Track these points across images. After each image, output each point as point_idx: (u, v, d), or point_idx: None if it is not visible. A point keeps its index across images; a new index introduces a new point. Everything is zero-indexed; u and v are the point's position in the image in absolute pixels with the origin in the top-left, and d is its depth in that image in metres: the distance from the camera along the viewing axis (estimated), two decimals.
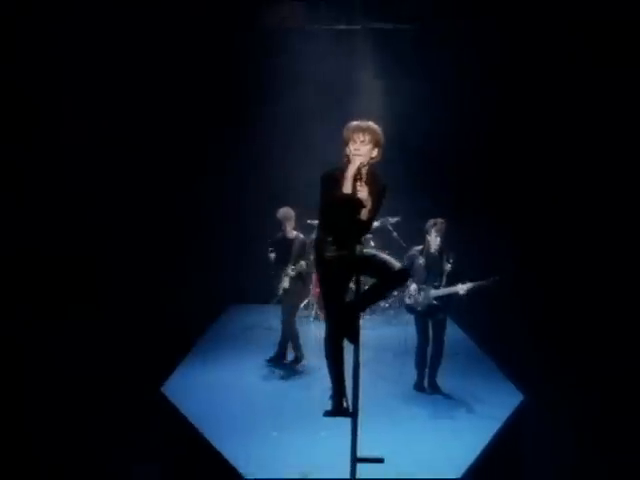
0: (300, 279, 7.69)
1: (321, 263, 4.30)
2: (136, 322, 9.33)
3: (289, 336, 7.72)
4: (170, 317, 9.82)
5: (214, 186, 10.60)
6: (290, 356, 7.77)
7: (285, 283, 7.62)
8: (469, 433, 5.59)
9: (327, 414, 4.38)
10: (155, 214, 10.21)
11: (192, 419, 5.82)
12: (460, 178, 10.00)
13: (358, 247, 4.15)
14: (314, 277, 9.79)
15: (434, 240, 6.72)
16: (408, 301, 6.78)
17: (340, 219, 3.97)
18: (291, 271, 7.56)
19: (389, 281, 4.28)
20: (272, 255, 7.76)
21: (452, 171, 10.09)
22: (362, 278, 4.42)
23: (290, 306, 7.73)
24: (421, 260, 6.79)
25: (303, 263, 7.75)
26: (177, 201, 10.39)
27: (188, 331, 8.92)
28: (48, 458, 6.54)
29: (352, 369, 4.27)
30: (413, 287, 6.75)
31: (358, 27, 10.33)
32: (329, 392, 4.56)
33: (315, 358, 7.98)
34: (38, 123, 9.49)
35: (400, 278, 4.35)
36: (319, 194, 4.18)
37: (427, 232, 6.77)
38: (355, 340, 4.20)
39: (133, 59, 9.56)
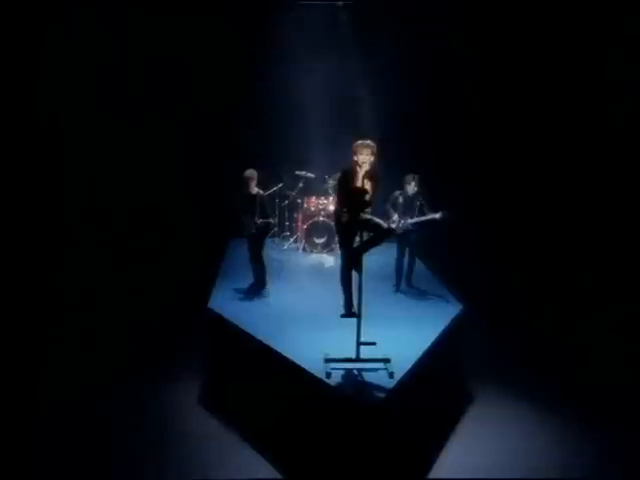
0: (266, 228, 9.55)
1: (338, 223, 6.95)
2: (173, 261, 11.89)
3: (263, 266, 9.58)
4: (192, 252, 12.33)
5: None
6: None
7: (252, 229, 9.33)
8: (425, 328, 8.09)
9: (343, 316, 7.10)
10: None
11: (237, 323, 8.21)
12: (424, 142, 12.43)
13: (361, 215, 6.79)
14: (300, 217, 12.38)
15: (412, 187, 9.52)
16: (392, 226, 9.48)
17: (354, 200, 6.58)
18: (260, 223, 9.21)
19: (380, 235, 6.93)
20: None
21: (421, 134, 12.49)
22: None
23: (262, 245, 9.54)
24: (400, 199, 9.58)
25: (273, 220, 9.97)
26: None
27: (210, 262, 11.26)
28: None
29: (358, 288, 6.94)
30: (395, 217, 9.54)
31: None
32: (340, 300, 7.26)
33: (308, 281, 10.58)
34: None
35: (387, 234, 7.01)
36: (340, 181, 6.85)
37: (407, 182, 9.55)
38: (359, 271, 6.83)
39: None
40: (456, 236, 11.49)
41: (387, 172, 9.91)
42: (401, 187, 9.69)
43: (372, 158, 6.72)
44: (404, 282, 9.92)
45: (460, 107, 12.49)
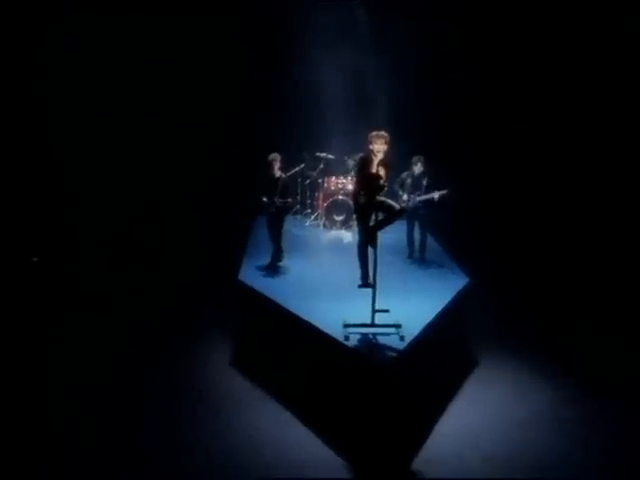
0: (286, 208, 10.26)
1: (356, 204, 7.85)
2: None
3: (280, 241, 10.33)
4: (221, 228, 13.24)
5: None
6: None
7: (272, 209, 10.05)
8: (434, 298, 8.97)
9: (360, 286, 8.00)
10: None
11: (265, 293, 9.14)
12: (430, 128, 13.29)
13: (376, 197, 7.67)
14: (321, 195, 13.26)
15: (419, 168, 10.49)
16: (402, 204, 10.33)
17: (370, 184, 7.46)
18: (279, 203, 9.95)
19: (393, 215, 7.80)
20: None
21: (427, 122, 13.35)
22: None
23: (281, 223, 10.25)
24: (409, 180, 10.55)
25: (291, 200, 10.55)
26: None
27: (240, 237, 12.19)
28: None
29: (373, 261, 7.82)
30: (405, 196, 10.48)
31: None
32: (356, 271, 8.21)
33: (328, 255, 11.56)
34: None
35: (400, 214, 7.88)
36: (359, 167, 7.75)
37: (414, 163, 10.54)
38: (374, 246, 7.72)
39: None
40: (465, 213, 12.34)
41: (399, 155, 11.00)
42: (407, 168, 10.65)
43: (386, 147, 7.59)
44: (418, 256, 10.87)
45: (465, 94, 13.41)
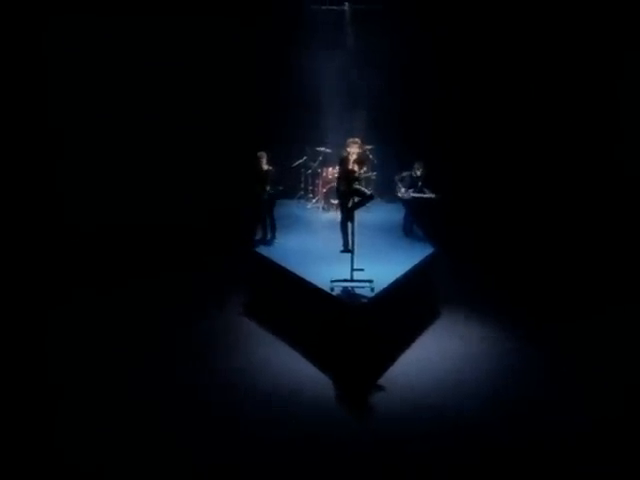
0: (276, 193, 12.18)
1: (338, 191, 10.53)
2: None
3: (274, 223, 12.34)
4: (236, 212, 15.18)
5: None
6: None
7: (265, 195, 11.88)
8: (402, 261, 11.36)
9: (342, 251, 10.60)
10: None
11: (279, 261, 11.50)
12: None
13: (353, 186, 10.36)
14: (320, 183, 15.73)
15: (420, 171, 12.48)
16: (400, 196, 12.73)
17: (347, 177, 10.15)
18: (271, 190, 11.86)
19: (365, 199, 10.41)
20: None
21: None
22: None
23: (272, 208, 12.25)
24: (407, 178, 12.56)
25: (280, 188, 12.45)
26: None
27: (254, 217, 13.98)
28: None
29: (351, 232, 10.43)
30: (403, 190, 12.61)
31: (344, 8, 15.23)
32: (341, 242, 10.82)
33: (325, 231, 13.54)
34: None
35: (370, 198, 10.47)
36: (339, 164, 10.36)
37: (416, 167, 12.48)
38: (352, 221, 10.31)
39: None
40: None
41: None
42: (410, 169, 12.67)
43: (359, 149, 10.31)
44: (407, 231, 13.13)
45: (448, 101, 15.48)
